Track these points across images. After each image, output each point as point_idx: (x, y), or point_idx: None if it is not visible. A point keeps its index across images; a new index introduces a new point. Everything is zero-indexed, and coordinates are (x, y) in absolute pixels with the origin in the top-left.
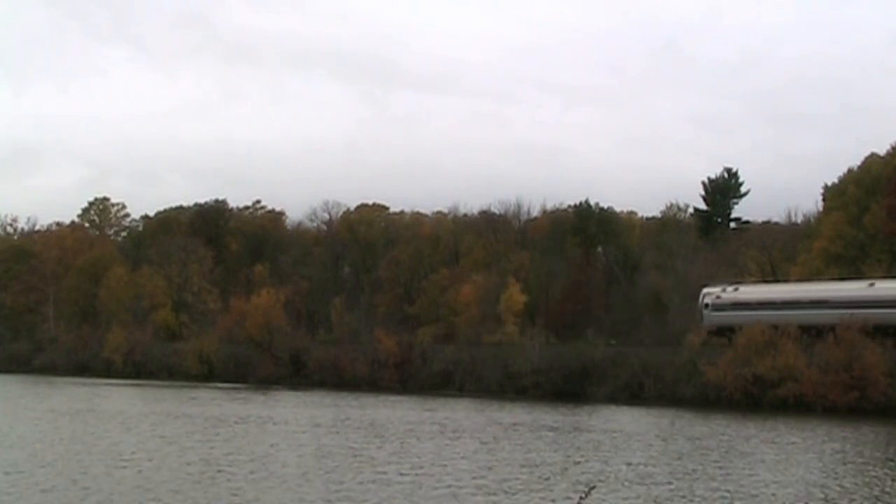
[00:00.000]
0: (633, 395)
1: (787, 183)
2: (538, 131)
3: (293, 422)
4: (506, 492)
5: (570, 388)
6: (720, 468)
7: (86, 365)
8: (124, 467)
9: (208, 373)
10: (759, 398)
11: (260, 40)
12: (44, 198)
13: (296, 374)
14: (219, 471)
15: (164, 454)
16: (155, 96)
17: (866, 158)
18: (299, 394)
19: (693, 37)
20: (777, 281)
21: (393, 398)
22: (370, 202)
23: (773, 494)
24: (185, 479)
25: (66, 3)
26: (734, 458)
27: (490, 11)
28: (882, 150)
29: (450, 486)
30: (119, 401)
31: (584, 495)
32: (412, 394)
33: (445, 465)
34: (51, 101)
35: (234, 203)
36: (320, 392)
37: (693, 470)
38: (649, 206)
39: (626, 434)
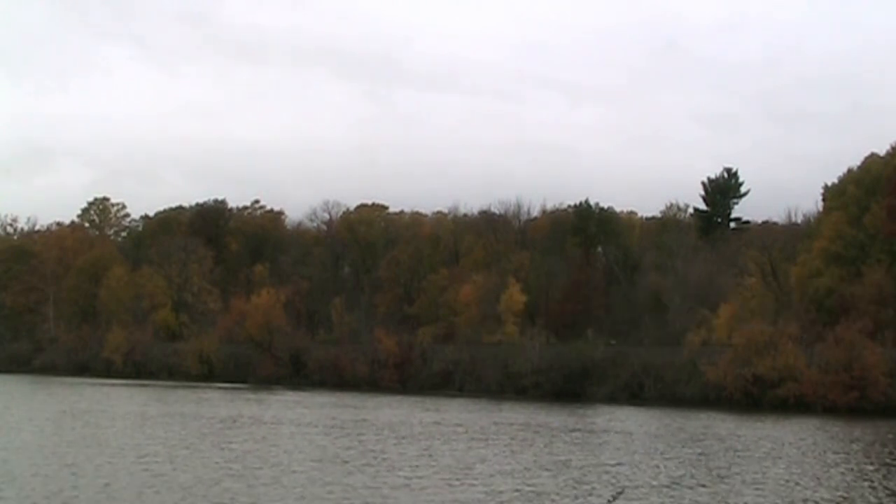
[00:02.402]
0: (633, 395)
1: (791, 182)
2: (542, 130)
3: (308, 423)
4: (543, 496)
5: (570, 388)
6: (753, 471)
7: (86, 365)
8: (147, 471)
9: (208, 373)
10: (759, 398)
11: (261, 39)
12: (44, 197)
13: (296, 374)
14: (240, 474)
15: (184, 458)
16: (156, 95)
17: (866, 158)
18: (302, 394)
19: (698, 35)
20: None
21: (397, 398)
22: (370, 202)
23: (823, 499)
24: (207, 482)
25: (66, 0)
26: (767, 461)
27: (493, 10)
28: (882, 150)
29: (487, 492)
30: (127, 402)
31: (611, 499)
32: (412, 394)
33: (473, 468)
34: (51, 100)
35: (235, 202)
36: (322, 392)
37: (726, 473)
38: (649, 207)
39: (647, 435)
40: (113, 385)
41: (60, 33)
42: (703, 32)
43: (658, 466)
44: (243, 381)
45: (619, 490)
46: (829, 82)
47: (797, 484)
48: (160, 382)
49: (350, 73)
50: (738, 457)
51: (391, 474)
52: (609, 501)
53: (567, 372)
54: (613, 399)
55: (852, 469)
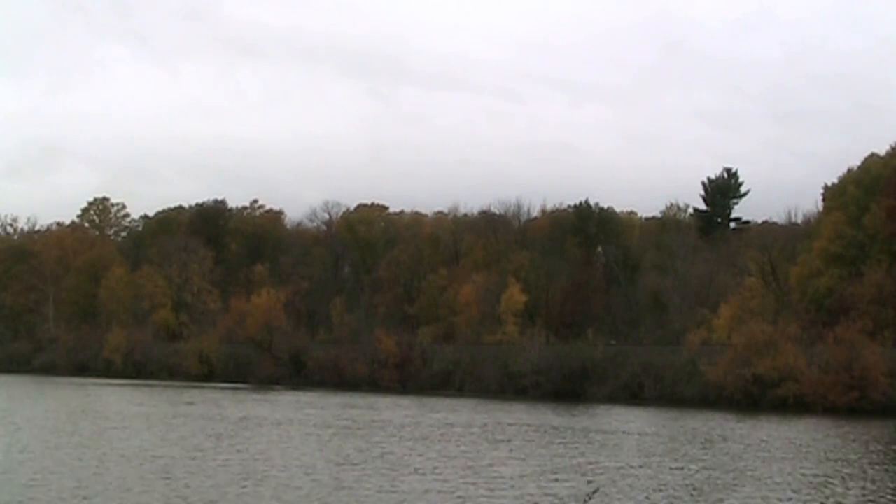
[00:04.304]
0: (633, 395)
1: (794, 182)
2: (545, 129)
3: (318, 424)
4: (575, 500)
5: (570, 388)
6: (783, 471)
7: (86, 365)
8: (161, 474)
9: (208, 373)
10: (759, 398)
11: (263, 36)
12: (45, 197)
13: (296, 374)
14: (261, 478)
15: (200, 460)
16: (157, 93)
17: (866, 158)
18: (305, 394)
19: (702, 34)
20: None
21: (404, 399)
22: (370, 202)
23: (857, 499)
24: (229, 486)
25: None
26: (792, 461)
27: (497, 8)
28: (882, 150)
29: (517, 496)
30: (132, 402)
31: (587, 498)
32: (412, 394)
33: (496, 471)
34: (52, 100)
35: (235, 201)
36: (323, 392)
37: (755, 475)
38: (649, 206)
39: (661, 437)
40: (114, 385)
41: (61, 32)
42: (708, 31)
43: (683, 469)
44: (243, 382)
45: (595, 489)
46: (835, 81)
47: (827, 485)
48: (160, 382)
49: (353, 71)
50: (763, 458)
51: (415, 478)
52: (585, 501)
53: (567, 372)
54: (613, 399)
55: (879, 469)
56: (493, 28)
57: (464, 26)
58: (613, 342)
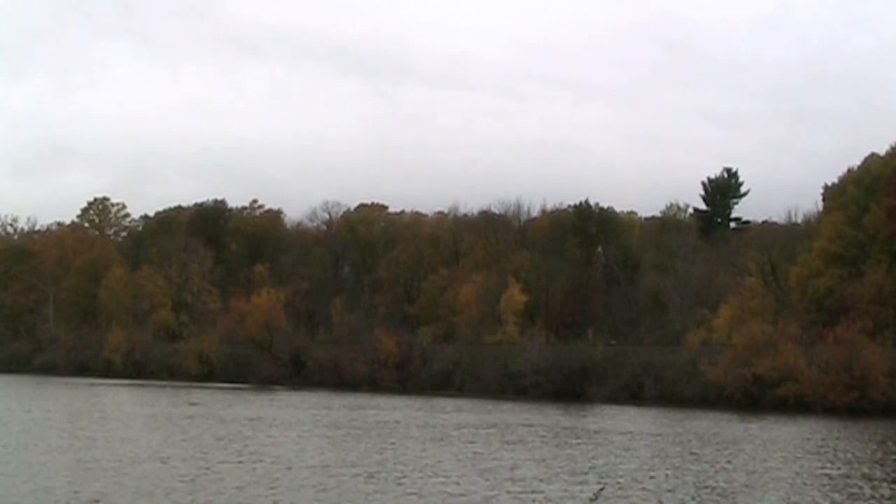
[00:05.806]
0: (633, 395)
1: (795, 181)
2: (547, 128)
3: (328, 424)
4: (605, 501)
5: (570, 388)
6: (807, 470)
7: (86, 365)
8: (182, 480)
9: (208, 373)
10: (759, 398)
11: (265, 35)
12: (47, 196)
13: (296, 374)
14: (277, 480)
15: (213, 462)
16: (157, 92)
17: (866, 158)
18: (308, 395)
19: (704, 33)
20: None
21: (408, 400)
22: (370, 202)
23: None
24: (243, 489)
25: None
26: (814, 461)
27: (498, 7)
28: (882, 150)
29: (542, 499)
30: (136, 403)
31: (593, 497)
32: (412, 394)
33: (516, 472)
34: (54, 99)
35: (235, 201)
36: (325, 392)
37: (779, 475)
38: (649, 206)
39: (673, 438)
40: (115, 385)
41: (61, 31)
42: (709, 31)
43: (702, 470)
44: (243, 382)
45: (601, 487)
46: (835, 81)
47: (851, 485)
48: (161, 383)
49: (354, 71)
50: (781, 458)
51: (436, 480)
52: (591, 500)
53: (567, 372)
54: (613, 399)
55: None
56: (494, 27)
57: (465, 26)
58: (613, 342)
